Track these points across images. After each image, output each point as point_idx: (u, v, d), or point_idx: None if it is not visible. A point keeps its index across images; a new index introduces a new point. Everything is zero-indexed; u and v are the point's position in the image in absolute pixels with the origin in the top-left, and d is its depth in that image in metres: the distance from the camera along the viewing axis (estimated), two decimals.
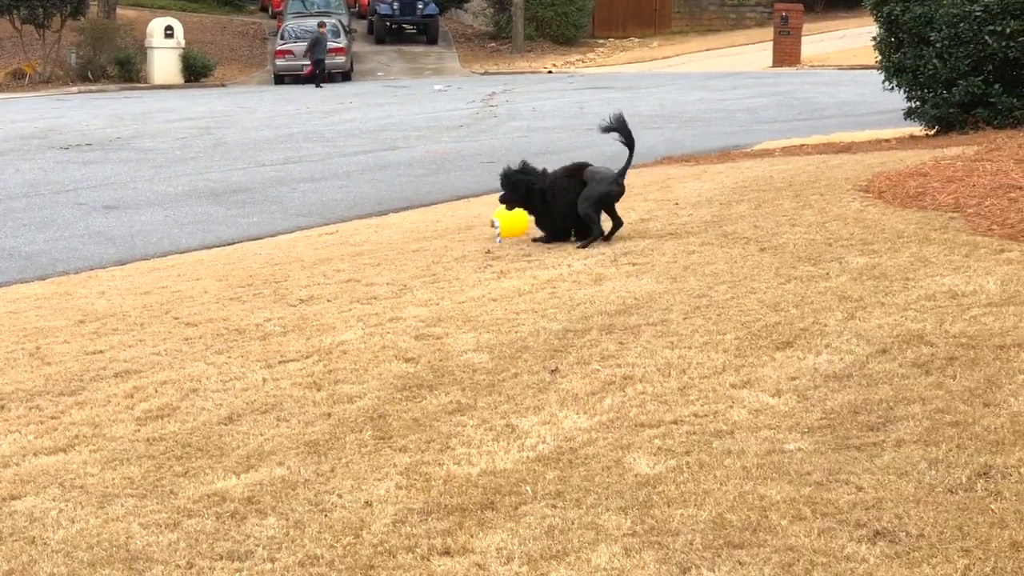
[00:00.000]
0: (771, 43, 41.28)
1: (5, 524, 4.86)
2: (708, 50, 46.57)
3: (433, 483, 4.98)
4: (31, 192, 16.28)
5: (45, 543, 4.65)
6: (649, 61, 45.11)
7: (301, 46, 40.75)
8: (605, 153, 17.67)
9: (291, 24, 42.82)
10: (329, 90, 36.68)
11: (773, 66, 39.70)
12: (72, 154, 20.68)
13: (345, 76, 41.35)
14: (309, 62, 39.39)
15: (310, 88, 37.69)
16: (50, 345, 7.77)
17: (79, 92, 38.60)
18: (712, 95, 28.43)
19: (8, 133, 24.60)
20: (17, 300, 9.75)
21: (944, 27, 15.12)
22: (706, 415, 5.52)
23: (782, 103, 25.89)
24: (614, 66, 44.31)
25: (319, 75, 38.90)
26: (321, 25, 40.56)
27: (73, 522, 4.83)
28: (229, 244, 12.27)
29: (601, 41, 50.66)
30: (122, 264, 11.45)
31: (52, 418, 6.21)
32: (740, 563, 4.13)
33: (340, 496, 4.92)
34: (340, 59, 40.84)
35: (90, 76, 41.41)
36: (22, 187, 16.76)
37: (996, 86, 15.03)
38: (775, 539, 4.27)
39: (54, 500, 5.08)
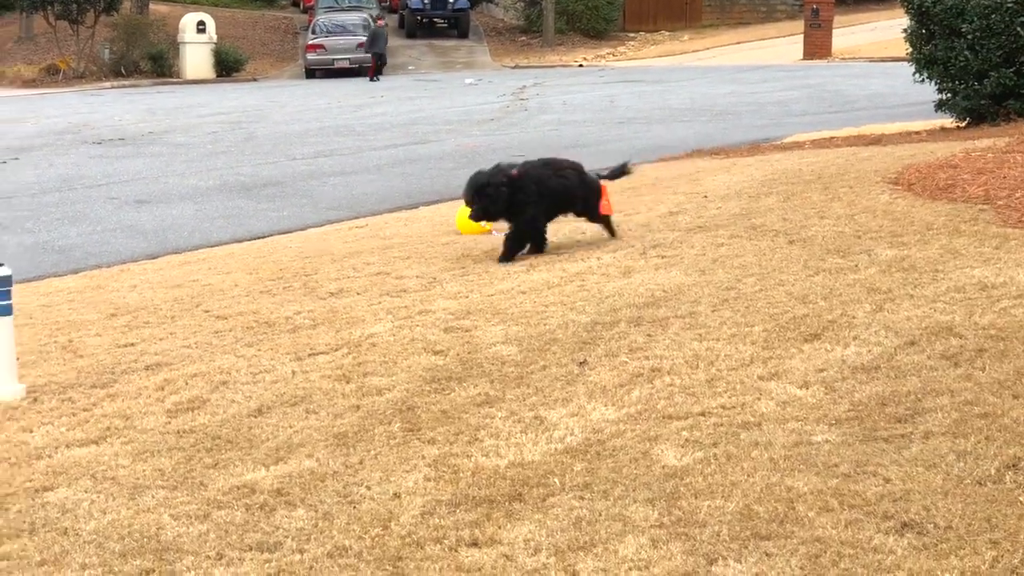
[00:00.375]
0: (802, 36, 41.21)
1: (38, 515, 4.90)
2: (739, 43, 46.46)
3: (461, 475, 5.00)
4: (64, 187, 16.41)
5: (77, 534, 4.69)
6: (680, 54, 45.05)
7: (332, 40, 40.94)
8: (636, 146, 17.70)
9: (322, 19, 42.98)
10: (359, 84, 36.77)
11: (804, 59, 39.59)
12: (105, 149, 20.82)
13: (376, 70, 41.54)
14: (369, 55, 39.46)
15: (341, 82, 37.79)
16: (82, 338, 7.84)
17: (112, 87, 38.88)
18: (743, 88, 28.35)
19: (42, 128, 24.79)
20: (50, 293, 9.83)
21: (975, 18, 15.05)
22: (734, 407, 5.52)
23: (813, 96, 25.80)
24: (645, 59, 44.25)
25: (379, 68, 39.04)
26: (379, 19, 40.82)
27: (105, 513, 4.88)
28: (259, 238, 12.32)
29: (632, 35, 50.60)
30: (153, 258, 11.54)
31: (84, 410, 6.26)
32: (767, 554, 4.13)
33: (369, 488, 4.94)
34: None
35: (123, 71, 41.70)
36: (55, 182, 16.90)
37: None
38: (802, 531, 4.27)
39: (86, 491, 5.13)
